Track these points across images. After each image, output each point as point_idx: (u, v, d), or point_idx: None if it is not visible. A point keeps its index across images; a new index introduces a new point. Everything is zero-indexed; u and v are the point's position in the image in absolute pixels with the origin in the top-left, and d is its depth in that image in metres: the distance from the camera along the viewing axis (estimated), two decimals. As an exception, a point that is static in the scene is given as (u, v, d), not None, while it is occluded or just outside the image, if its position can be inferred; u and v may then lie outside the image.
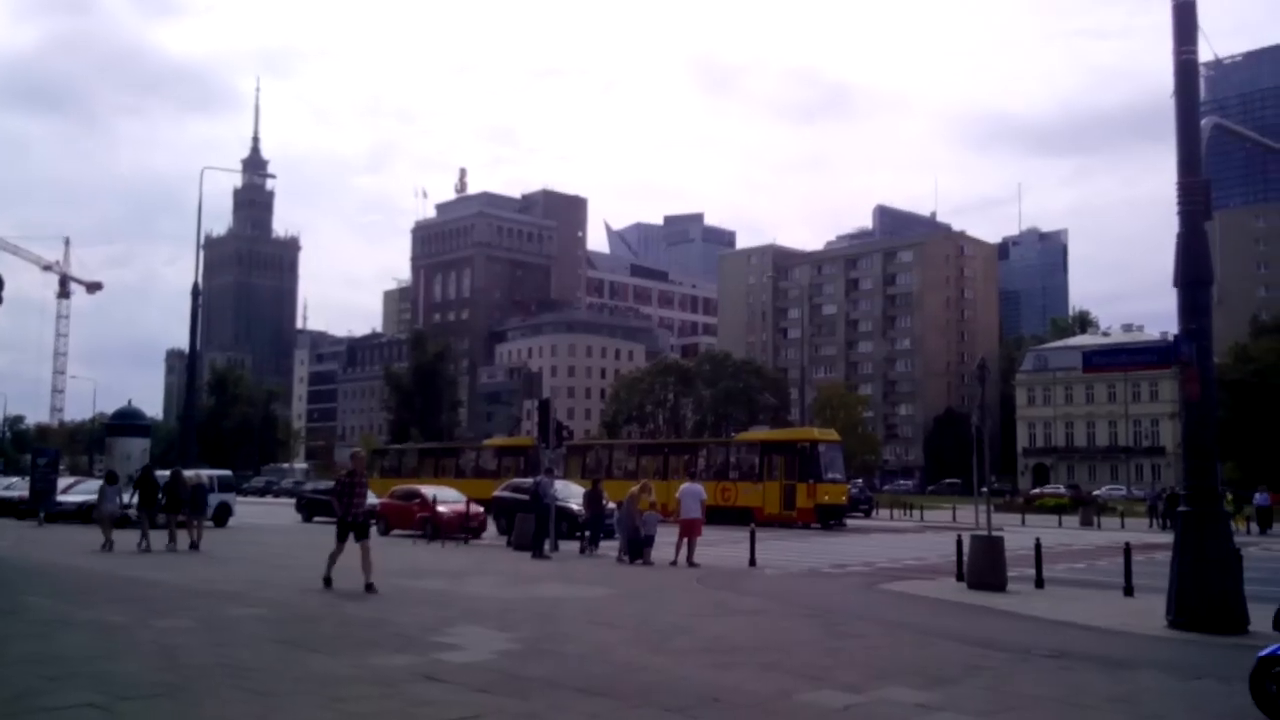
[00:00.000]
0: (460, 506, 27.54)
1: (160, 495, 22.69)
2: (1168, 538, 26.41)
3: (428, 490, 29.68)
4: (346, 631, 10.42)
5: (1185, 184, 12.37)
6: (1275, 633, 7.83)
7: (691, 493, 20.89)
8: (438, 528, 26.03)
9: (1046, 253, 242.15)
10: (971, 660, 9.44)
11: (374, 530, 25.33)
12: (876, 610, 13.33)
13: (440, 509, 27.04)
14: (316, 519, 34.83)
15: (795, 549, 24.19)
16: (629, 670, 8.56)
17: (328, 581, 13.98)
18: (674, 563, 19.59)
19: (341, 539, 14.10)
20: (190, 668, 8.28)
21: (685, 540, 20.01)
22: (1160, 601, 12.25)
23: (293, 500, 69.24)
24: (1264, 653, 7.19)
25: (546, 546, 21.49)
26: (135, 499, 23.35)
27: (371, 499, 31.52)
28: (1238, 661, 9.92)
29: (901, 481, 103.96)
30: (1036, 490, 73.89)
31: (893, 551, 24.99)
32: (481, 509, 28.22)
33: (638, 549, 20.23)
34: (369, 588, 13.46)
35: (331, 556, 14.15)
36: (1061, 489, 71.93)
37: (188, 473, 26.29)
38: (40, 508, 31.21)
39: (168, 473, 23.70)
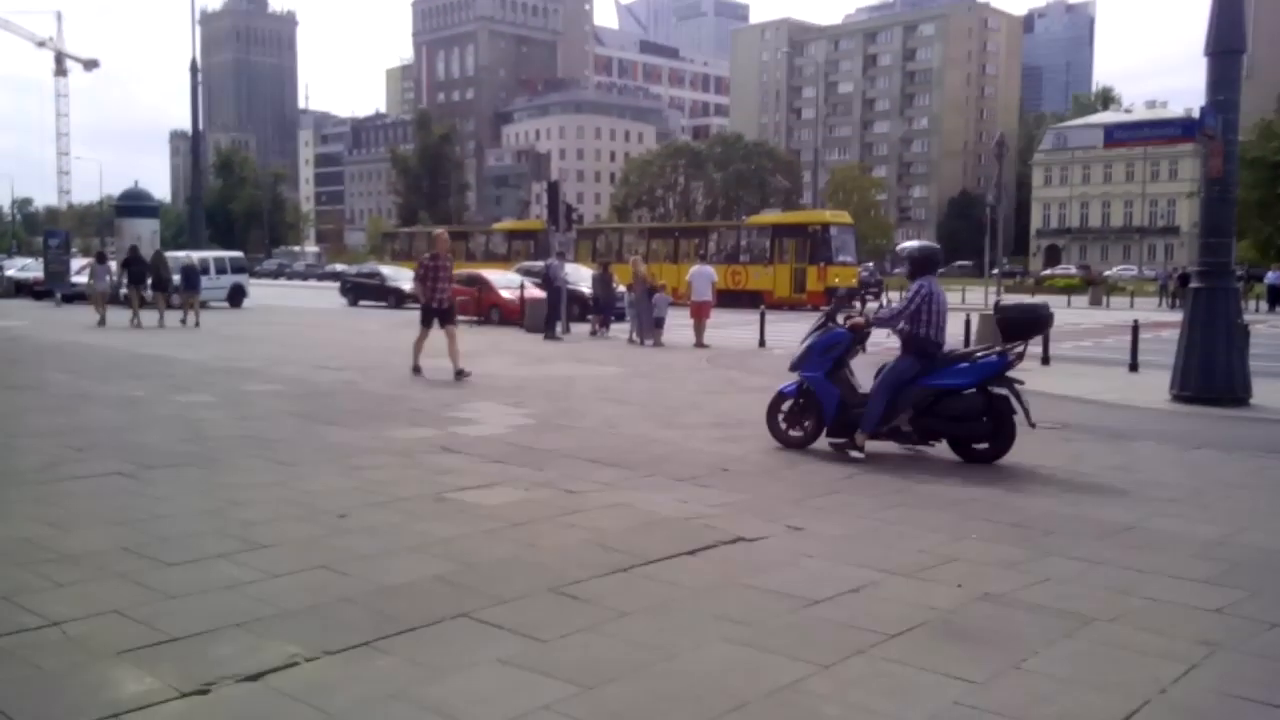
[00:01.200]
0: (517, 291, 25.93)
1: (147, 275, 23.58)
2: (1176, 316, 26.48)
3: (490, 275, 28.26)
4: (365, 407, 10.66)
5: (1226, -56, 11.65)
6: (1276, 406, 7.95)
7: (702, 274, 20.88)
8: (503, 314, 25.45)
9: (1073, 25, 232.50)
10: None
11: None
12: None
13: (503, 294, 26.13)
14: (363, 303, 34.76)
15: (804, 330, 24.31)
16: (640, 442, 8.77)
17: (417, 369, 13.45)
18: (698, 345, 19.59)
19: (426, 324, 13.69)
20: (213, 439, 8.51)
21: (696, 320, 20.15)
22: (1165, 377, 12.40)
23: (306, 283, 70.00)
24: (782, 388, 8.81)
25: (558, 328, 21.71)
26: (124, 278, 24.15)
27: (408, 280, 31.20)
28: (1239, 433, 10.15)
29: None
30: (1047, 271, 73.89)
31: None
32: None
33: (652, 329, 20.25)
34: (460, 374, 12.99)
35: (416, 343, 13.76)
36: (1072, 269, 71.88)
37: (180, 254, 26.86)
38: (56, 288, 31.53)
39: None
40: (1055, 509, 6.53)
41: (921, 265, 8.40)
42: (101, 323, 22.58)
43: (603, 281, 23.60)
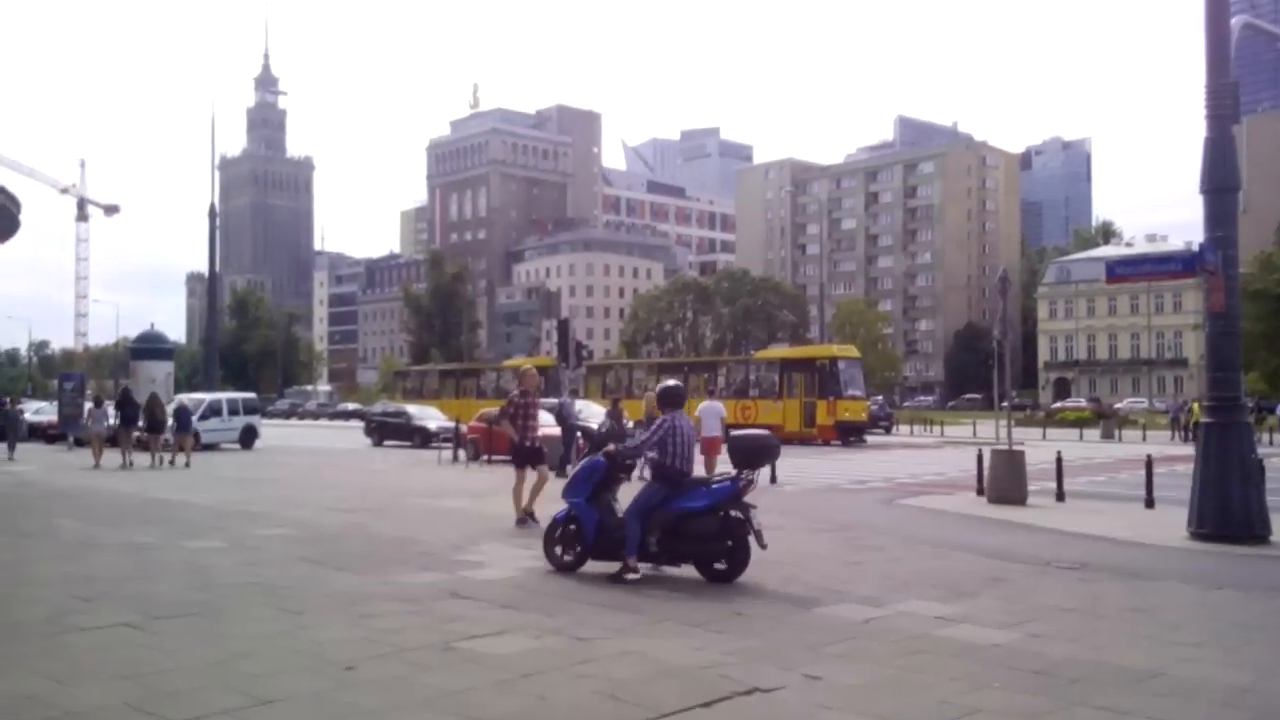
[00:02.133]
0: (554, 430, 24.79)
1: (141, 417, 24.25)
2: (1190, 450, 26.36)
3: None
4: (374, 550, 10.58)
5: (1214, 86, 12.04)
6: None
7: (711, 410, 20.88)
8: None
9: (1070, 162, 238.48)
10: (991, 573, 9.50)
11: (463, 455, 25.62)
12: (896, 525, 13.41)
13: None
14: (388, 443, 34.21)
15: (815, 466, 24.31)
16: (644, 582, 8.65)
17: (530, 515, 12.36)
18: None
19: (522, 465, 12.82)
20: (222, 587, 8.43)
21: (706, 457, 20.08)
22: (1182, 514, 12.26)
23: (318, 422, 70.20)
24: (555, 515, 9.34)
25: (569, 467, 21.63)
26: (116, 420, 24.84)
27: (440, 422, 30.83)
28: (1260, 572, 9.98)
29: (922, 397, 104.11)
30: (1058, 404, 73.85)
31: (913, 467, 25.08)
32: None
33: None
34: (527, 518, 12.28)
35: (516, 490, 12.73)
36: (1083, 402, 71.83)
37: (190, 395, 27.49)
38: (69, 431, 31.70)
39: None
40: (1076, 655, 6.39)
41: (668, 401, 9.32)
42: (97, 465, 22.98)
43: (615, 418, 23.62)
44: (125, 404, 24.80)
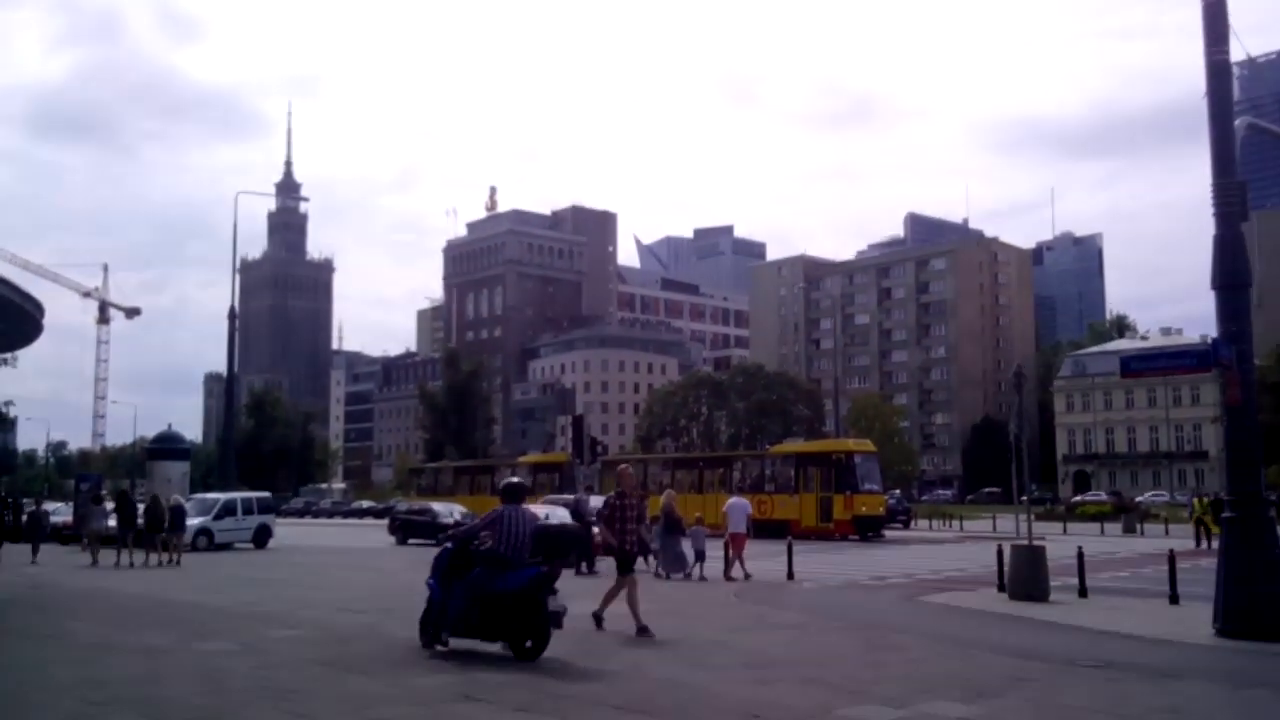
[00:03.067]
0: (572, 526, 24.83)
1: (140, 516, 24.69)
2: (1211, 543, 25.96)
3: (538, 510, 27.68)
4: (385, 652, 10.46)
5: (1220, 185, 12.21)
6: None
7: (738, 507, 20.81)
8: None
9: (1081, 257, 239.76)
10: (1015, 672, 9.32)
11: None
12: (917, 622, 13.20)
13: None
14: (413, 541, 33.49)
15: (833, 561, 24.03)
16: (667, 687, 8.52)
17: (643, 630, 11.52)
18: (729, 577, 19.32)
19: (625, 570, 12.07)
20: (233, 691, 8.34)
21: (734, 555, 19.86)
22: (1207, 609, 12.04)
23: (332, 520, 69.93)
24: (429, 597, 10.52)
25: (585, 565, 21.46)
26: (115, 519, 25.18)
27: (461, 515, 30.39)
28: (1288, 670, 9.75)
29: (940, 491, 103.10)
30: (1078, 498, 73.01)
31: (932, 562, 24.76)
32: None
33: (678, 564, 19.90)
34: (642, 631, 11.49)
35: (630, 597, 11.85)
36: (1103, 496, 71.02)
37: (197, 496, 28.49)
38: (84, 533, 31.63)
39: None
40: (1104, 757, 6.24)
41: (506, 495, 10.69)
42: (94, 563, 23.45)
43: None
44: (124, 504, 25.20)
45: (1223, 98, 12.49)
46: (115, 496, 26.89)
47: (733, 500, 21.37)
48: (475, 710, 7.57)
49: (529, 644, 9.75)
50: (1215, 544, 22.78)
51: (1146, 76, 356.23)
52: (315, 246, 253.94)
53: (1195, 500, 33.67)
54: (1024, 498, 27.34)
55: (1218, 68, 12.42)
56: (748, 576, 19.31)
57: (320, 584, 19.33)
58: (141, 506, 25.35)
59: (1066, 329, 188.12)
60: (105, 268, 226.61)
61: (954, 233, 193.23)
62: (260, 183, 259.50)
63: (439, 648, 10.06)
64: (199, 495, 34.60)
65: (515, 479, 11.89)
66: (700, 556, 20.04)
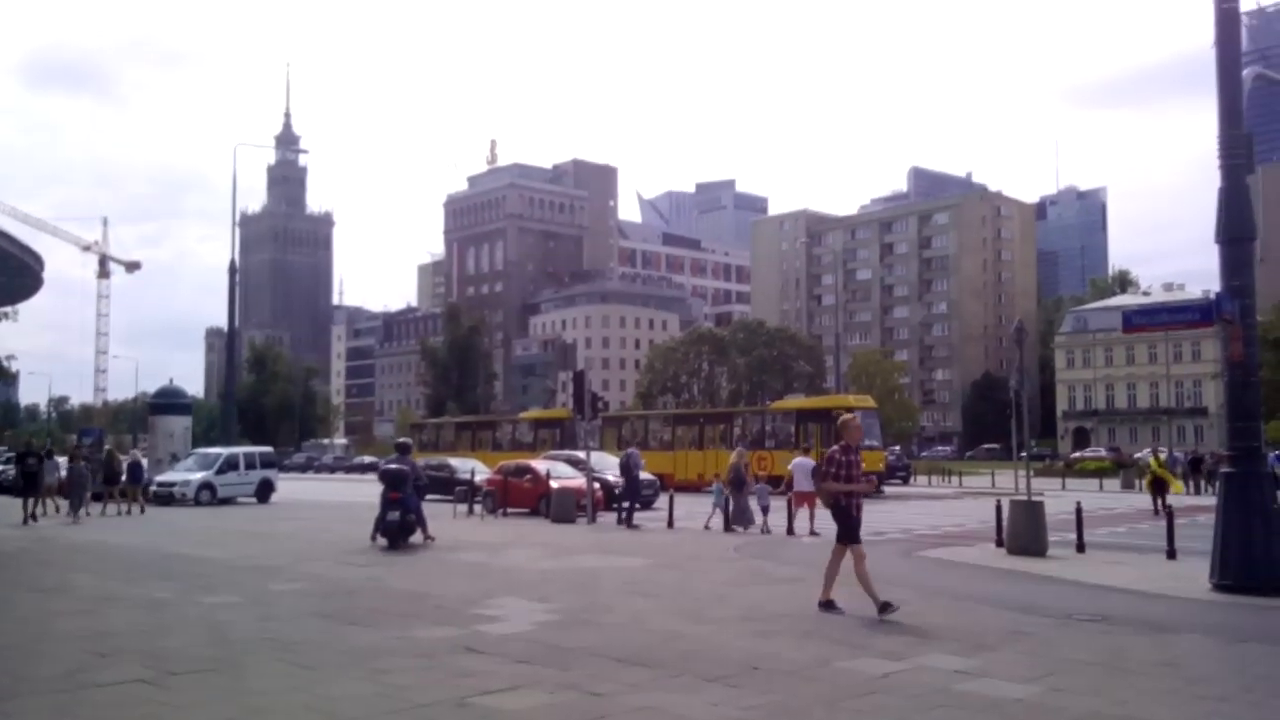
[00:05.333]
0: (574, 483, 24.65)
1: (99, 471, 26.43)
2: (1204, 500, 26.06)
3: (539, 465, 27.45)
4: (389, 605, 10.54)
5: (1227, 136, 12.09)
6: None
7: (802, 466, 21.03)
8: (550, 505, 23.61)
9: (1085, 211, 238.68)
10: (1012, 626, 9.39)
11: (478, 509, 25.60)
12: (916, 577, 13.28)
13: (554, 484, 24.72)
14: (431, 498, 32.75)
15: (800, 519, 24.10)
16: (667, 639, 8.59)
17: (885, 606, 9.60)
18: (790, 532, 19.63)
19: (852, 539, 10.04)
20: (236, 642, 8.42)
21: (799, 510, 20.27)
22: (1204, 565, 12.11)
23: (334, 475, 70.17)
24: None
25: (621, 516, 21.96)
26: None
27: (480, 472, 30.24)
28: (1284, 624, 9.81)
29: (940, 448, 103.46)
30: (1077, 454, 73.27)
31: (931, 518, 24.89)
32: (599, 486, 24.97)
33: (745, 518, 20.67)
34: (885, 607, 9.58)
35: (860, 572, 9.91)
36: (1102, 452, 71.28)
37: (138, 452, 31.87)
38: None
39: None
40: (1100, 709, 6.30)
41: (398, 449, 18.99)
42: (45, 514, 23.89)
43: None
44: (27, 456, 25.22)
45: (1231, 47, 12.32)
46: (70, 452, 27.81)
47: (797, 459, 21.66)
48: (477, 662, 7.63)
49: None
50: (1167, 501, 22.82)
51: (1154, 26, 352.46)
52: (315, 201, 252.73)
53: (1152, 457, 29.20)
54: (1023, 453, 27.45)
55: (1227, 15, 12.23)
56: (814, 534, 19.20)
57: (323, 538, 19.44)
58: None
59: (1069, 284, 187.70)
60: (105, 221, 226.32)
61: (957, 187, 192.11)
62: (259, 137, 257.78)
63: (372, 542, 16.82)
64: (201, 450, 34.72)
65: (402, 439, 19.75)
66: (765, 510, 20.90)
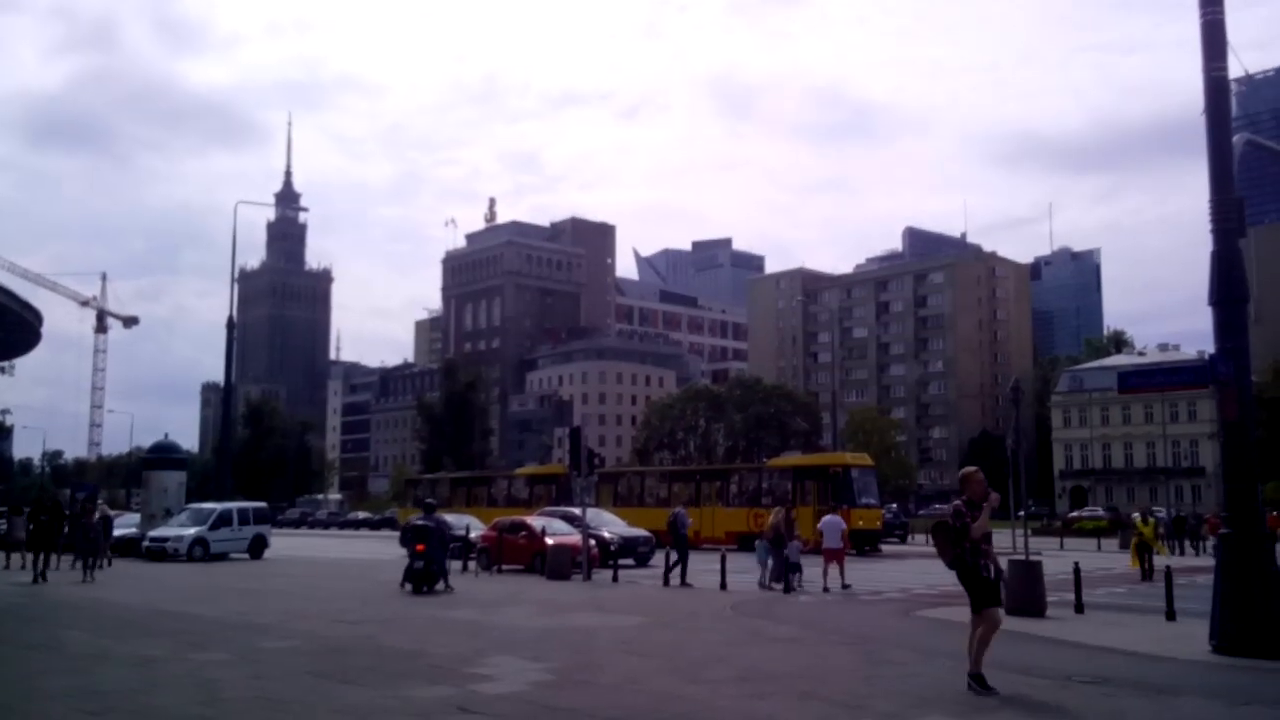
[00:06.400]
0: (570, 539, 24.73)
1: (65, 526, 25.41)
2: (1198, 561, 25.92)
3: (535, 522, 27.30)
4: (381, 663, 10.44)
5: (1218, 201, 12.24)
6: None
7: (833, 524, 21.56)
8: (545, 562, 23.63)
9: (1079, 272, 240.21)
10: (1011, 688, 9.29)
11: (473, 565, 25.53)
12: (914, 637, 13.18)
13: (549, 541, 24.79)
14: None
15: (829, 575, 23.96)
16: (663, 700, 8.50)
17: (983, 686, 8.78)
18: (825, 589, 20.12)
19: (990, 601, 9.06)
20: (226, 701, 8.33)
21: (830, 567, 20.88)
22: (1204, 626, 12.03)
23: (328, 531, 69.73)
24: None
25: (673, 576, 21.67)
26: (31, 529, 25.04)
27: (475, 528, 29.84)
28: (1285, 687, 9.73)
29: (937, 506, 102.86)
30: (1074, 513, 72.96)
31: (929, 577, 24.70)
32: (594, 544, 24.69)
33: (785, 576, 20.80)
34: (977, 681, 8.84)
35: (978, 640, 9.01)
36: (1100, 511, 70.98)
37: (105, 505, 31.29)
38: (75, 543, 31.60)
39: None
40: (1100, 774, 6.23)
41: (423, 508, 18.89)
42: (43, 576, 22.00)
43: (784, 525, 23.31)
44: (42, 514, 24.45)
45: (1221, 114, 12.53)
46: (33, 506, 26.23)
47: (827, 518, 22.12)
48: (471, 722, 7.55)
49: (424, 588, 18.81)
50: (1155, 562, 22.78)
51: (1144, 91, 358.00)
52: (313, 255, 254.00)
53: (1138, 521, 27.19)
54: (1020, 513, 27.36)
55: (1216, 84, 12.45)
56: (846, 587, 20.48)
57: (316, 594, 19.29)
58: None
59: (1064, 344, 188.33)
60: (103, 276, 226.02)
61: (952, 247, 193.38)
62: (257, 191, 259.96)
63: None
64: (195, 505, 34.48)
65: (429, 499, 18.68)
66: (796, 569, 21.01)
